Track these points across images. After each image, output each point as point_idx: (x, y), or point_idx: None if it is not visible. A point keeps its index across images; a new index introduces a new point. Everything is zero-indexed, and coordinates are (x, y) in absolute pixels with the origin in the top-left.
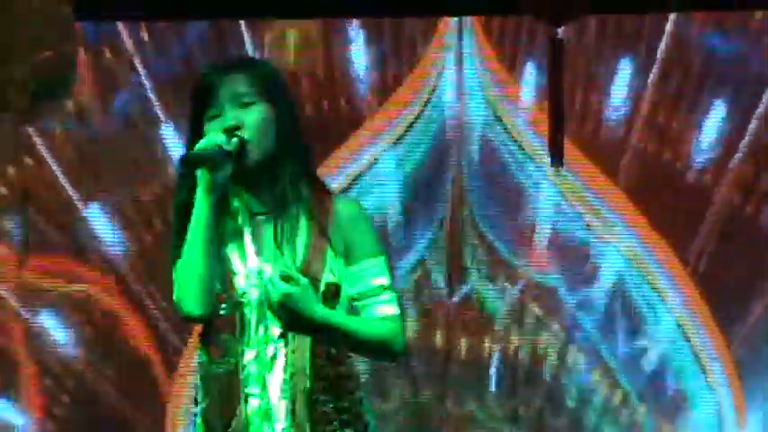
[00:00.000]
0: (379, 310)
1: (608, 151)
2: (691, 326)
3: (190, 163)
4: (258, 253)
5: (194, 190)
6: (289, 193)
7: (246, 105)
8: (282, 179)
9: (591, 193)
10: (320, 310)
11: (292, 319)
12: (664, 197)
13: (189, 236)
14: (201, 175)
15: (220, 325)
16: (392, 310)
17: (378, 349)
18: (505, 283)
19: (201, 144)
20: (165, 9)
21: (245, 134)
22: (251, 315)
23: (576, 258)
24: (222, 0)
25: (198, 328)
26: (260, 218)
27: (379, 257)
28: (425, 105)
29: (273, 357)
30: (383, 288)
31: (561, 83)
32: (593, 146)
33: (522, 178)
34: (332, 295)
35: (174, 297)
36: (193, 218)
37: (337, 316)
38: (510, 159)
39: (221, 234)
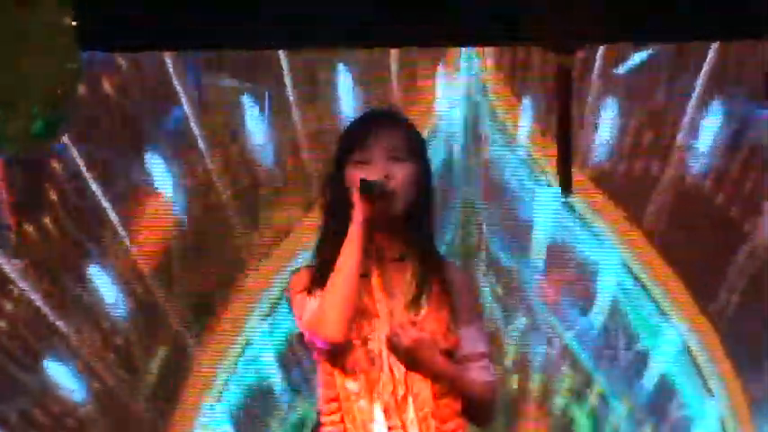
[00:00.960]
0: (477, 375)
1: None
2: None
3: (368, 185)
4: (384, 296)
5: (344, 220)
6: (419, 247)
7: (397, 160)
8: (414, 233)
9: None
10: (442, 361)
11: (417, 363)
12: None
13: (342, 262)
14: (363, 204)
15: (347, 358)
16: (488, 377)
17: (482, 411)
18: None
19: (370, 178)
20: (163, 40)
21: (394, 186)
22: (375, 351)
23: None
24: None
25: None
26: (389, 264)
27: (474, 326)
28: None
29: (404, 395)
30: (482, 355)
31: (570, 112)
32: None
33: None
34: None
35: (308, 321)
36: (350, 245)
37: (459, 371)
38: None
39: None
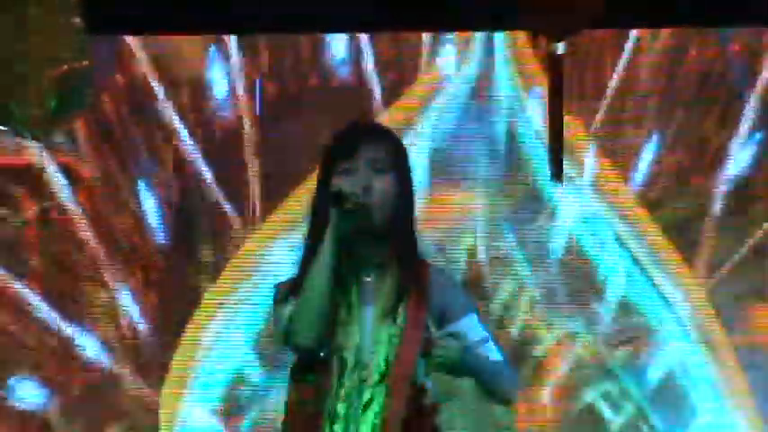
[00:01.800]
0: (491, 357)
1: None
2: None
3: (340, 196)
4: (361, 305)
5: (322, 230)
6: (399, 255)
7: (379, 171)
8: (391, 244)
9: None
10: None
11: (455, 369)
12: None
13: (314, 272)
14: (337, 215)
15: (317, 367)
16: (497, 356)
17: (501, 386)
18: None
19: (344, 187)
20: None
21: (374, 197)
22: (349, 360)
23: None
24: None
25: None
26: (365, 275)
27: (471, 315)
28: None
29: (368, 403)
30: (484, 340)
31: (561, 98)
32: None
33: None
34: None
35: (279, 327)
36: (322, 255)
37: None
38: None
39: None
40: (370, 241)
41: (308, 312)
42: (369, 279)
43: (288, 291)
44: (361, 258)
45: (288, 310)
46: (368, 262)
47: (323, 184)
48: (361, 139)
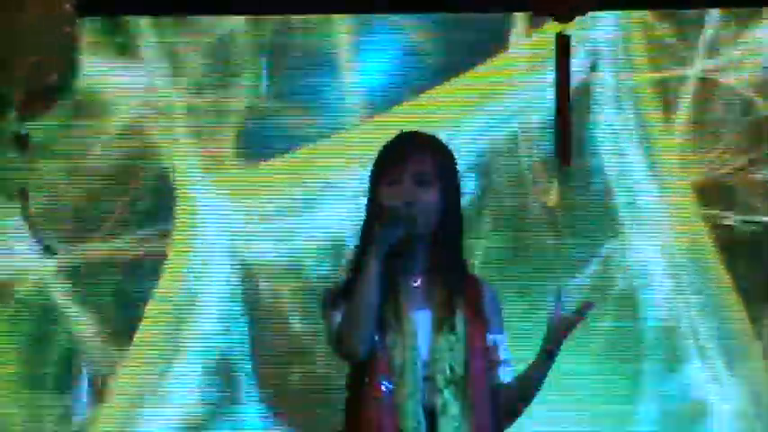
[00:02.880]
0: (503, 378)
1: None
2: None
3: (383, 212)
4: (411, 309)
5: (370, 241)
6: (445, 263)
7: (423, 184)
8: (440, 250)
9: None
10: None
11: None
12: None
13: (362, 283)
14: (382, 228)
15: (365, 368)
16: (510, 379)
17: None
18: None
19: (388, 201)
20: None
21: (417, 210)
22: (397, 362)
23: None
24: None
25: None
26: (413, 280)
27: (503, 334)
28: None
29: (443, 408)
30: (507, 362)
31: (568, 81)
32: None
33: None
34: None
35: (331, 337)
36: (369, 267)
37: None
38: None
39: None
40: (417, 248)
41: (357, 322)
42: (416, 284)
43: (338, 296)
44: (408, 264)
45: (337, 317)
46: (415, 268)
47: (371, 194)
48: (408, 151)
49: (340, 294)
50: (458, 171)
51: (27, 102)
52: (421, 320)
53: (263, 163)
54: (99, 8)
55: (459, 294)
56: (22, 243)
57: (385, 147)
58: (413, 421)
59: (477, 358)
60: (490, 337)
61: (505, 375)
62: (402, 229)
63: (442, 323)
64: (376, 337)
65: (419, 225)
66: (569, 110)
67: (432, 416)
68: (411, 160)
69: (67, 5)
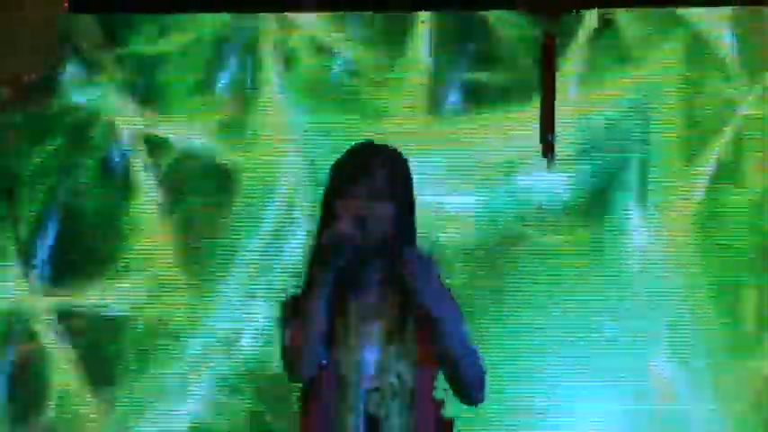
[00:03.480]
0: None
1: None
2: None
3: (333, 247)
4: (363, 324)
5: (322, 263)
6: (392, 277)
7: (378, 198)
8: (389, 265)
9: None
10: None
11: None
12: None
13: (310, 305)
14: (334, 254)
15: (316, 384)
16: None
17: (468, 375)
18: None
19: (337, 231)
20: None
21: (369, 225)
22: (349, 377)
23: None
24: None
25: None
26: (365, 294)
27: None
28: None
29: (385, 419)
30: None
31: (553, 78)
32: None
33: None
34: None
35: (282, 353)
36: (312, 298)
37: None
38: None
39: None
40: (370, 260)
41: (300, 347)
42: (370, 298)
43: (290, 312)
44: (362, 277)
45: (286, 333)
46: (369, 281)
47: (325, 208)
48: (362, 163)
49: (292, 310)
50: (411, 181)
51: (13, 95)
52: (371, 334)
53: None
54: (92, 6)
55: (410, 303)
56: None
57: (339, 160)
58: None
59: (427, 368)
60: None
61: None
62: (353, 252)
63: (392, 335)
64: (322, 358)
65: (370, 241)
66: (553, 108)
67: (375, 427)
68: (366, 173)
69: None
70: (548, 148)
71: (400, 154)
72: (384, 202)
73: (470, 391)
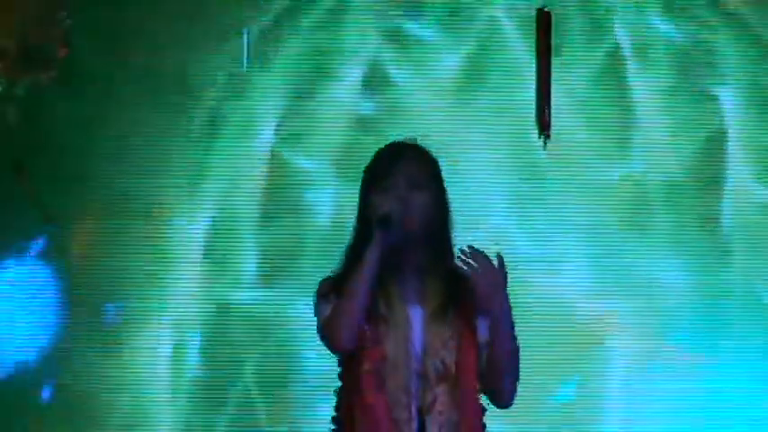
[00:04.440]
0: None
1: None
2: None
3: (385, 219)
4: (404, 305)
5: (366, 241)
6: (439, 260)
7: (416, 187)
8: (434, 247)
9: None
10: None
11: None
12: None
13: (355, 282)
14: (380, 233)
15: (369, 357)
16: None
17: (514, 369)
18: None
19: (387, 209)
20: None
21: (412, 211)
22: (391, 357)
23: None
24: None
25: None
26: (409, 275)
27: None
28: None
29: (432, 403)
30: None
31: (549, 55)
32: None
33: None
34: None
35: (319, 326)
36: (365, 269)
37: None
38: None
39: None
40: (412, 247)
41: (346, 314)
42: (410, 281)
43: (329, 289)
44: (403, 262)
45: (327, 309)
46: (410, 266)
47: (364, 201)
48: (399, 157)
49: (332, 288)
50: (443, 180)
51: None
52: (414, 317)
53: None
54: None
55: (452, 292)
56: None
57: (376, 156)
58: (406, 413)
59: (468, 355)
60: (483, 324)
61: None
62: (399, 232)
63: (435, 320)
64: (366, 328)
65: (415, 225)
66: (549, 85)
67: (421, 411)
68: (404, 166)
69: None
70: (544, 126)
71: (430, 152)
72: (424, 190)
73: (507, 387)
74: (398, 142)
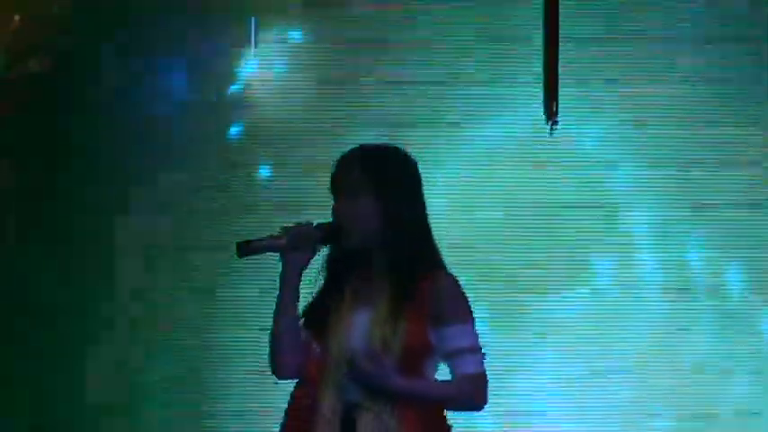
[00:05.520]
0: (460, 370)
1: None
2: None
3: (241, 248)
4: (354, 311)
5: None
6: (392, 267)
7: (353, 196)
8: (384, 256)
9: None
10: (396, 383)
11: (372, 389)
12: None
13: (276, 318)
14: (282, 257)
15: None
16: (472, 369)
17: (457, 406)
18: None
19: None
20: None
21: (345, 221)
22: (332, 362)
23: None
24: None
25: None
26: (363, 282)
27: (465, 324)
28: None
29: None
30: (465, 350)
31: (557, 39)
32: None
33: None
34: (417, 356)
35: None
36: (278, 296)
37: (415, 384)
38: None
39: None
40: (362, 253)
41: (270, 347)
42: (364, 286)
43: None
44: (358, 267)
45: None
46: (362, 271)
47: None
48: (338, 166)
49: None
50: (401, 175)
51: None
52: (361, 321)
53: None
54: None
55: (405, 294)
56: None
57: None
58: (329, 415)
59: (412, 353)
60: (439, 332)
61: (461, 366)
62: (336, 242)
63: (380, 322)
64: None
65: (350, 237)
66: (557, 70)
67: (351, 410)
68: (340, 174)
69: None
70: (551, 114)
71: (382, 150)
72: (360, 197)
73: (460, 411)
74: (347, 150)
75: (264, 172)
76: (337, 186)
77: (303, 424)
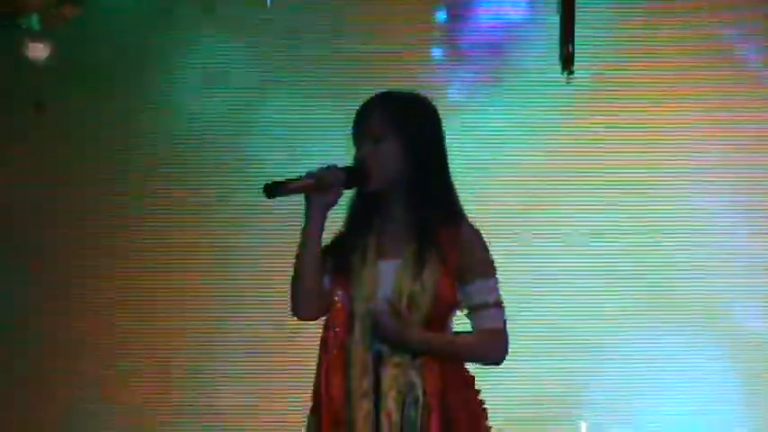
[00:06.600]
0: (483, 324)
1: None
2: None
3: (273, 191)
4: (379, 259)
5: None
6: (417, 214)
7: (378, 140)
8: (413, 200)
9: None
10: (420, 338)
11: (393, 343)
12: None
13: (296, 254)
14: (307, 198)
15: (334, 317)
16: (493, 324)
17: (478, 359)
18: None
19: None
20: None
21: (369, 166)
22: (358, 309)
23: None
24: None
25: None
26: (387, 229)
27: (487, 279)
28: None
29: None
30: (488, 305)
31: None
32: None
33: None
34: (443, 311)
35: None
36: (301, 238)
37: (439, 339)
38: None
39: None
40: (385, 199)
41: (294, 283)
42: (388, 233)
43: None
44: (383, 216)
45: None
46: (386, 218)
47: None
48: (362, 110)
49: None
50: (423, 119)
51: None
52: (388, 270)
53: None
54: None
55: (432, 245)
56: None
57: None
58: (359, 368)
59: (440, 309)
60: (465, 286)
61: (483, 320)
62: (358, 185)
63: (408, 273)
64: (335, 292)
65: (374, 180)
66: (573, 18)
67: (377, 364)
68: (364, 119)
69: None
70: (567, 60)
71: (407, 96)
72: (384, 142)
73: (494, 363)
74: (367, 99)
75: None
76: (360, 132)
77: (337, 370)
